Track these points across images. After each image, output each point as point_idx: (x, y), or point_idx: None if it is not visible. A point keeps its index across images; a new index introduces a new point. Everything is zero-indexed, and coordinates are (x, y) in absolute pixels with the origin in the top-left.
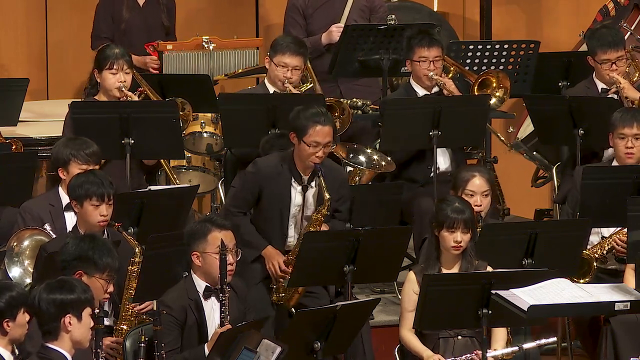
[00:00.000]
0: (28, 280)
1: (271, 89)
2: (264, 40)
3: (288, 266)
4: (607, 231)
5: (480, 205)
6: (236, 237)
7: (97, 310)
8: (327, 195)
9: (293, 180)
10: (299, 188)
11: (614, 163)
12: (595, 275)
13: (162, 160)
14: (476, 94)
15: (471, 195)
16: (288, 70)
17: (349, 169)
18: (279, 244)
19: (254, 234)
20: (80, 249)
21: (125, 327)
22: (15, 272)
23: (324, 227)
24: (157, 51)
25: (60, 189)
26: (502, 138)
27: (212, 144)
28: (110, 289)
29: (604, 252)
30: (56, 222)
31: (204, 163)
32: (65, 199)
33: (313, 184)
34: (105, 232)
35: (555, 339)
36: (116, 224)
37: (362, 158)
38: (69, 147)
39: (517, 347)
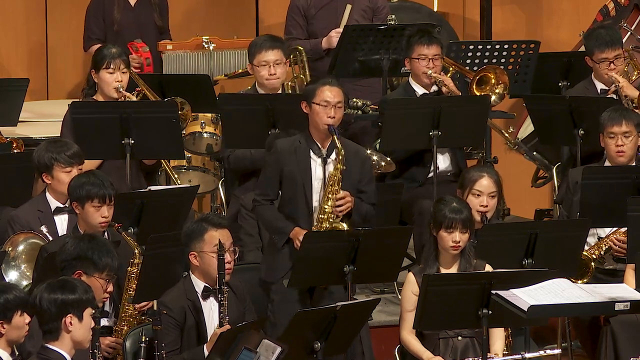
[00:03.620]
0: (25, 283)
1: (262, 92)
2: None
3: None
4: (603, 232)
5: (487, 206)
6: (263, 224)
7: (93, 311)
8: (339, 147)
9: (312, 153)
10: (319, 161)
11: (607, 163)
12: (594, 275)
13: (162, 159)
14: (475, 91)
15: (478, 195)
16: (270, 66)
17: None
18: (306, 223)
19: (281, 218)
20: (80, 249)
21: (125, 327)
22: (12, 275)
23: (343, 194)
24: (139, 50)
25: (47, 193)
26: (505, 133)
27: (212, 144)
28: (110, 288)
29: (602, 252)
30: (47, 227)
31: (204, 163)
32: (54, 204)
33: (333, 156)
34: (106, 233)
35: (559, 350)
36: (116, 224)
37: None
38: (50, 151)
39: (519, 355)
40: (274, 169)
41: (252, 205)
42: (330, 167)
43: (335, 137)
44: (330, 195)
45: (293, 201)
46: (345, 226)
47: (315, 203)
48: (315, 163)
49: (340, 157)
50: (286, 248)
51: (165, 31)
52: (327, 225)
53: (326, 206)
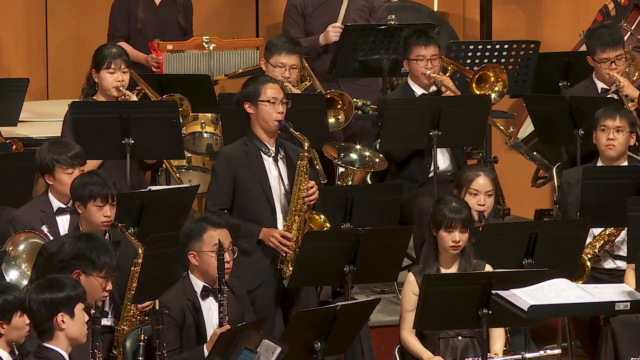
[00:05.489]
0: (25, 282)
1: None
2: (264, 40)
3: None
4: (597, 231)
5: (484, 205)
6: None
7: (94, 311)
8: (302, 137)
9: (262, 153)
10: (270, 159)
11: (599, 163)
12: (594, 275)
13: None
14: (474, 90)
15: (475, 194)
16: (286, 69)
17: (341, 170)
18: (270, 222)
19: (243, 223)
20: (77, 249)
21: (126, 327)
22: (12, 275)
23: (311, 183)
24: (157, 50)
25: (49, 194)
26: (500, 127)
27: (212, 144)
28: (109, 287)
29: (596, 250)
30: (48, 227)
31: (204, 163)
32: (56, 204)
33: (281, 153)
34: (107, 233)
35: (559, 350)
36: (120, 224)
37: (353, 156)
38: (51, 153)
39: (519, 356)
40: (226, 177)
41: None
42: (281, 164)
43: (291, 129)
44: (301, 186)
45: (255, 204)
46: (322, 217)
47: (276, 201)
48: (268, 162)
49: (307, 146)
50: (258, 251)
51: (189, 32)
52: (299, 219)
53: (298, 198)
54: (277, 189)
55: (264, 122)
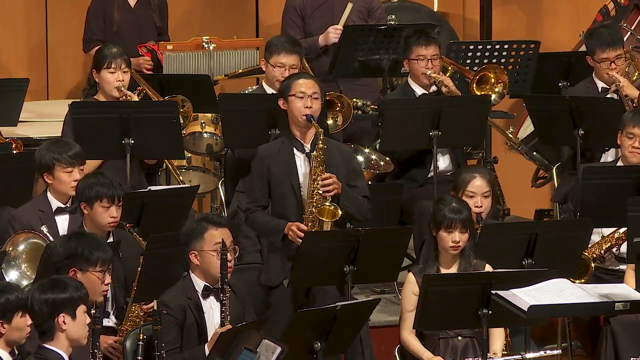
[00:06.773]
0: (25, 283)
1: (269, 91)
2: (264, 41)
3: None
4: (608, 231)
5: (481, 207)
6: (257, 231)
7: (94, 311)
8: (319, 130)
9: (295, 150)
10: (303, 156)
11: (619, 163)
12: (596, 275)
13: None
14: (475, 90)
15: (471, 196)
16: (285, 69)
17: None
18: (297, 219)
19: (272, 219)
20: (69, 248)
21: (129, 328)
22: (12, 275)
23: (327, 175)
24: (150, 52)
25: (48, 193)
26: (507, 133)
27: (212, 144)
28: (108, 279)
29: (602, 251)
30: (48, 227)
31: (204, 163)
32: (55, 204)
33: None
34: (111, 233)
35: (559, 350)
36: (127, 224)
37: (360, 158)
38: (51, 151)
39: (519, 356)
40: (261, 174)
41: (244, 215)
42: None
43: (314, 123)
44: (315, 177)
45: (283, 200)
46: (332, 205)
47: (304, 198)
48: (300, 159)
49: (322, 138)
50: (284, 248)
51: (164, 32)
52: (314, 210)
53: (313, 189)
54: (306, 186)
55: (293, 116)
